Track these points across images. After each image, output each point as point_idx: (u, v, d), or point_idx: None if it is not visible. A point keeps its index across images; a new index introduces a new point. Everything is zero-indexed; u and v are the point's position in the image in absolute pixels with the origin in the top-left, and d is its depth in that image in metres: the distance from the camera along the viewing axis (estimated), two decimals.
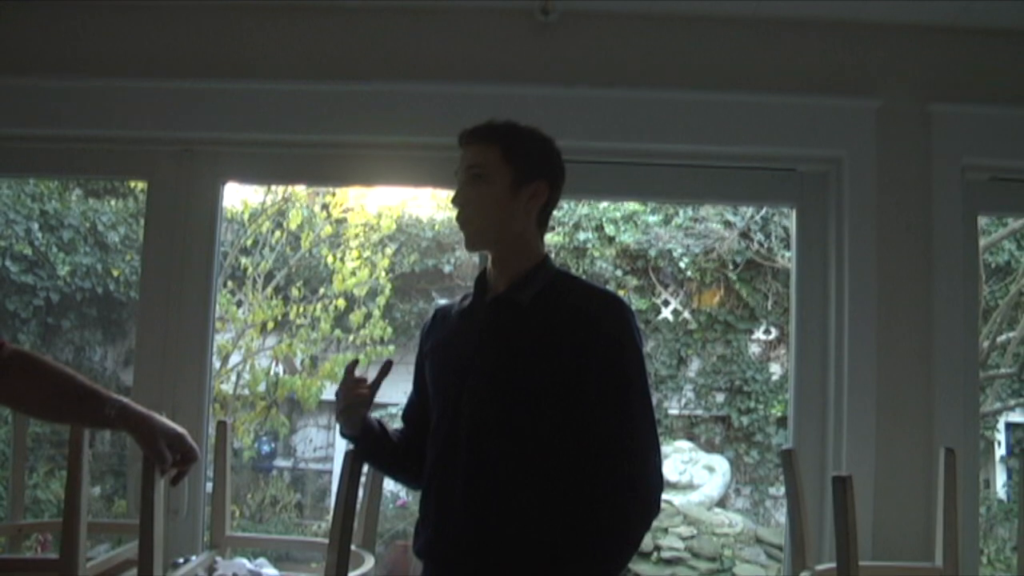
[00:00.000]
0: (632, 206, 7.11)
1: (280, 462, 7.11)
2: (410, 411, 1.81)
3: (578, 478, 1.51)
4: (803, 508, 2.08)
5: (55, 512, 5.62)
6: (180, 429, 1.65)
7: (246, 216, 6.17)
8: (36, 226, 6.27)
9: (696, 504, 6.67)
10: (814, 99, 2.62)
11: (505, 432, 1.55)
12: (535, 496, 1.53)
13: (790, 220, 3.27)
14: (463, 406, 1.59)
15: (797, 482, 2.07)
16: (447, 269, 7.11)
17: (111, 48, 2.67)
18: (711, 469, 6.98)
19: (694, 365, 7.40)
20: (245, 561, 2.20)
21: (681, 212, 7.12)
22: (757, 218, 7.03)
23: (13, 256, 6.17)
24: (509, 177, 1.61)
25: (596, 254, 7.13)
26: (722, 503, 7.02)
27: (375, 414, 1.74)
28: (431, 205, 6.83)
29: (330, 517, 6.15)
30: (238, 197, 6.16)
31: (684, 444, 7.14)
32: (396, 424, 1.81)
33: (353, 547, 1.71)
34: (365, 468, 1.88)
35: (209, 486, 2.63)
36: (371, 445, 1.70)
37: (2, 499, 5.83)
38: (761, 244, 7.07)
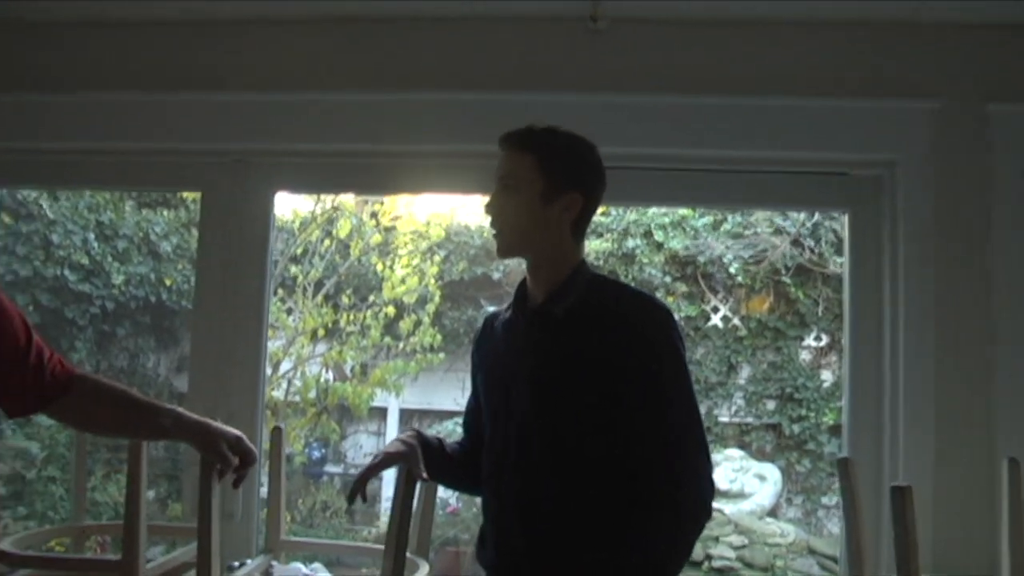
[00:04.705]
0: (681, 211, 7.06)
1: (330, 468, 7.18)
2: (470, 419, 1.81)
3: (626, 487, 1.50)
4: (860, 519, 2.03)
5: (112, 514, 5.74)
6: (237, 432, 1.68)
7: (296, 225, 6.25)
8: (92, 236, 6.42)
9: (747, 513, 6.58)
10: (866, 102, 2.57)
11: (551, 445, 1.55)
12: (584, 507, 1.52)
13: (842, 225, 3.22)
14: (511, 420, 1.59)
15: (854, 492, 2.02)
16: (496, 276, 7.12)
17: (165, 64, 2.74)
18: (762, 478, 6.88)
19: (744, 372, 7.31)
20: (300, 566, 2.22)
21: (730, 217, 7.04)
22: (807, 223, 6.92)
23: (71, 266, 6.32)
24: (541, 187, 1.60)
25: (645, 260, 7.08)
26: (773, 512, 6.91)
27: (434, 429, 1.75)
28: (479, 212, 6.85)
29: (380, 523, 6.17)
30: (288, 206, 6.24)
31: (735, 452, 7.05)
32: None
33: (408, 554, 1.72)
34: None
35: (262, 491, 2.67)
36: (432, 464, 1.68)
37: (64, 501, 6.00)
38: (811, 249, 6.97)
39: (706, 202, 4.53)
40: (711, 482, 1.54)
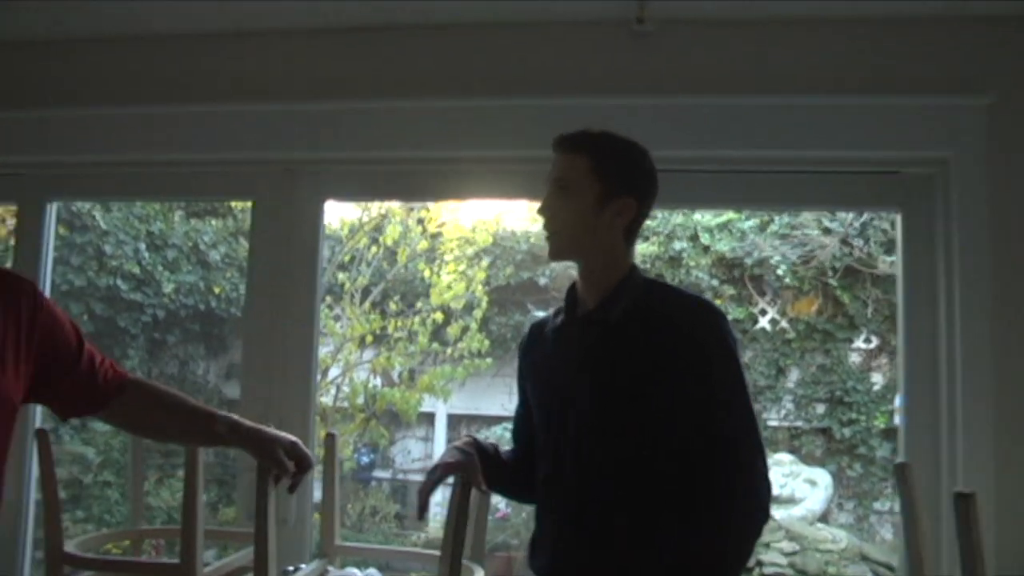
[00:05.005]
0: (727, 214, 6.99)
1: (379, 473, 7.23)
2: (519, 427, 1.80)
3: (684, 491, 1.49)
4: (920, 525, 1.98)
5: (165, 518, 5.85)
6: (292, 437, 1.70)
7: (344, 232, 6.31)
8: (143, 246, 6.56)
9: (798, 519, 6.47)
10: (918, 98, 2.53)
11: (608, 451, 1.54)
12: (642, 513, 1.51)
13: (894, 225, 3.16)
14: (566, 427, 1.58)
15: (913, 498, 1.98)
16: (542, 282, 7.11)
17: (216, 76, 2.79)
18: (813, 483, 6.76)
19: (793, 375, 7.20)
20: (355, 570, 2.24)
21: (777, 218, 6.96)
22: (855, 223, 6.81)
23: (123, 275, 6.46)
24: (596, 191, 1.59)
25: (691, 264, 7.02)
26: (824, 518, 6.79)
27: (482, 434, 1.75)
28: (525, 217, 6.87)
29: (429, 527, 6.18)
30: (335, 214, 6.31)
31: (784, 457, 6.94)
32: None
33: (463, 560, 1.72)
34: None
35: (315, 495, 2.69)
36: (489, 472, 1.68)
37: (118, 505, 6.13)
38: (860, 249, 6.85)
39: (755, 204, 4.46)
40: (768, 484, 1.52)
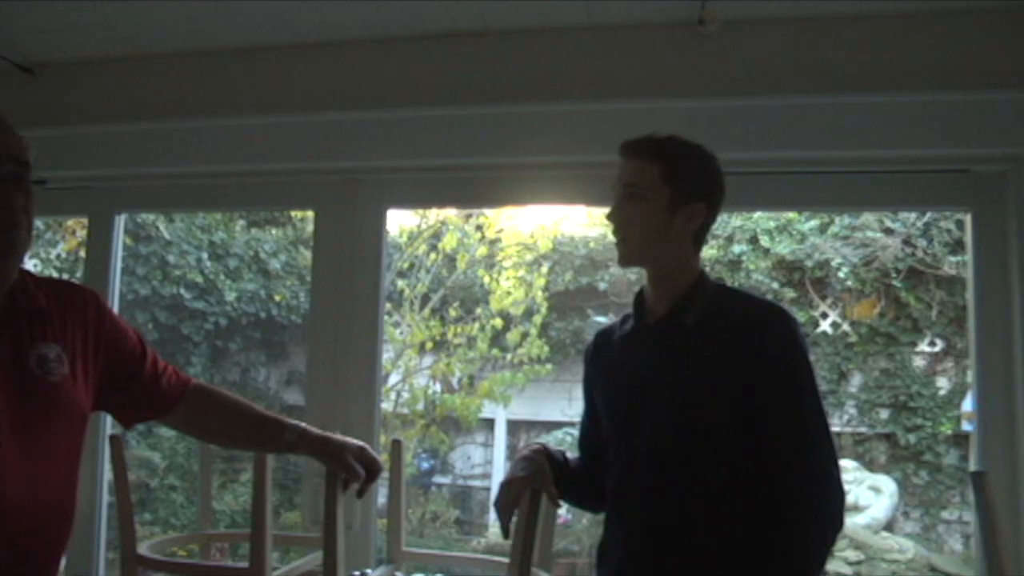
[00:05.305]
0: (787, 215, 6.89)
1: (439, 478, 7.28)
2: (585, 438, 1.79)
3: (760, 500, 1.46)
4: (999, 536, 1.92)
5: (228, 522, 5.98)
6: (361, 443, 1.72)
7: (403, 240, 6.37)
8: (205, 256, 6.71)
9: (863, 527, 6.33)
10: (989, 93, 2.45)
11: (683, 458, 1.53)
12: (717, 522, 1.49)
13: (961, 225, 3.08)
14: (640, 435, 1.57)
15: (991, 508, 1.92)
16: (601, 287, 7.09)
17: (278, 87, 2.84)
18: (877, 490, 6.61)
19: (855, 380, 7.06)
20: None
21: (837, 219, 6.83)
22: (919, 223, 6.65)
23: (186, 284, 6.61)
24: (667, 198, 1.58)
25: (751, 267, 6.94)
26: (889, 527, 6.63)
27: (543, 438, 1.75)
28: (584, 222, 6.86)
29: (489, 532, 6.17)
30: (394, 221, 6.38)
31: (848, 463, 6.79)
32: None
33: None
34: None
35: (379, 501, 2.71)
36: (560, 481, 1.67)
37: (183, 508, 6.27)
38: (924, 250, 6.69)
39: (820, 205, 4.36)
40: (842, 493, 1.50)
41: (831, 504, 1.46)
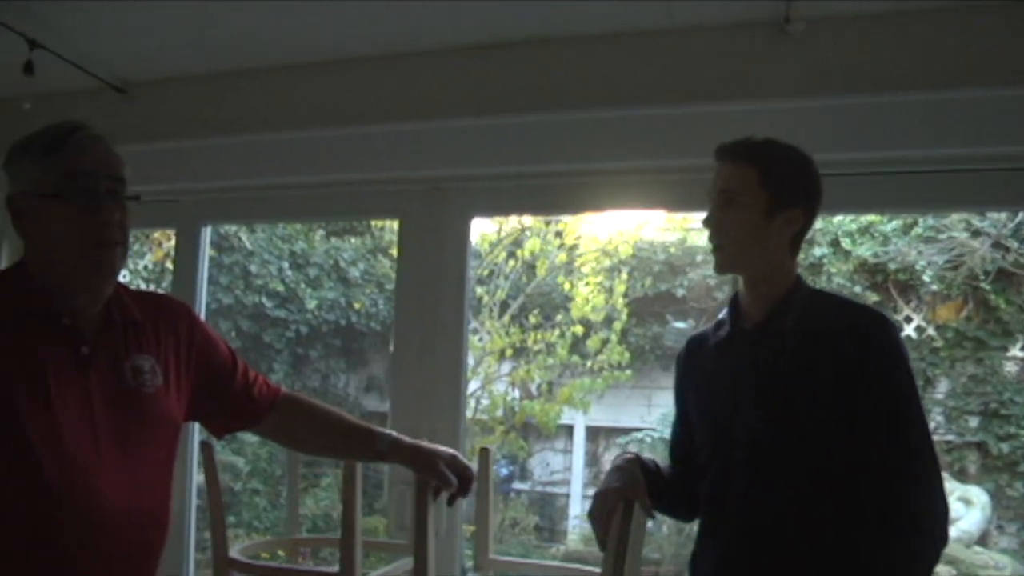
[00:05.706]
0: (868, 216, 6.71)
1: (518, 485, 7.29)
2: (677, 446, 1.77)
3: (862, 511, 1.42)
4: None
5: (310, 526, 6.09)
6: (452, 450, 1.73)
7: (484, 247, 6.40)
8: (287, 265, 6.86)
9: (954, 540, 6.10)
10: None
11: (781, 467, 1.50)
12: (817, 533, 1.46)
13: None
14: (736, 443, 1.54)
15: None
16: (680, 293, 7.03)
17: (361, 98, 2.87)
18: (968, 502, 6.36)
19: (942, 386, 6.82)
20: None
21: (921, 220, 6.62)
22: (1009, 223, 6.40)
23: (268, 293, 6.77)
24: (764, 203, 1.55)
25: (832, 270, 6.78)
26: (983, 541, 6.37)
27: (622, 439, 1.73)
28: (663, 228, 6.80)
29: (568, 539, 6.13)
30: (475, 229, 6.42)
31: None
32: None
33: None
34: None
35: (462, 507, 2.71)
36: (652, 491, 1.64)
37: (267, 512, 6.42)
38: (1016, 251, 6.43)
39: (906, 207, 4.23)
40: (946, 504, 1.46)
41: (935, 521, 1.42)
